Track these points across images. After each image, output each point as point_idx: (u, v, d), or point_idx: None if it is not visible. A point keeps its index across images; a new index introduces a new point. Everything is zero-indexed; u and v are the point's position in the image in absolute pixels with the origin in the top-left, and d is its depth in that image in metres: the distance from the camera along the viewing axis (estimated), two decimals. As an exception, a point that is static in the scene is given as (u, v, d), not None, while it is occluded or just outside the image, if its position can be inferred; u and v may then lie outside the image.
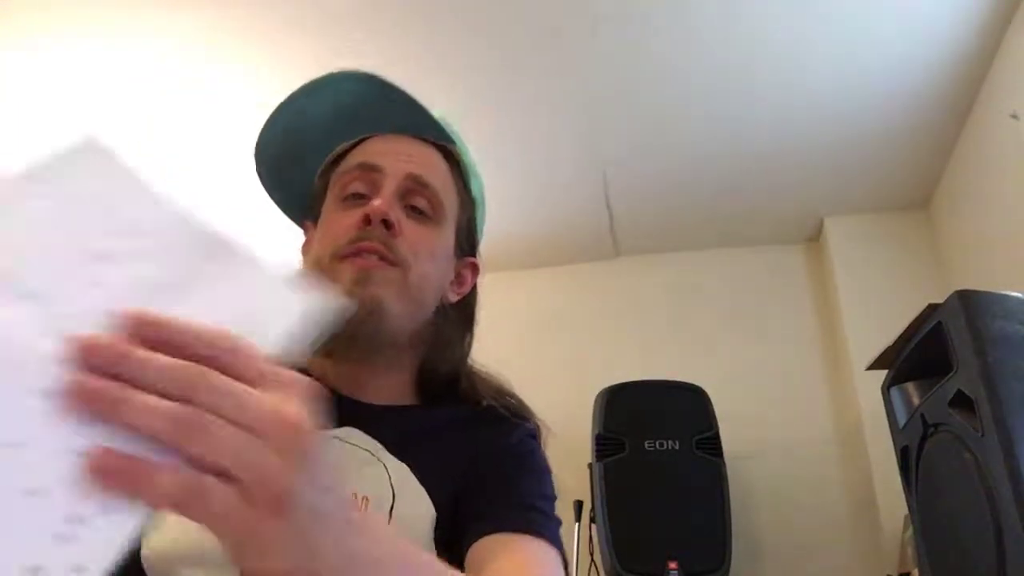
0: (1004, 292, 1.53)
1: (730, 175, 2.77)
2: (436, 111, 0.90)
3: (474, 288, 0.92)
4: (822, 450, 2.83)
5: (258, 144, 0.88)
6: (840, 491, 2.79)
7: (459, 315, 0.89)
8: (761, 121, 2.53)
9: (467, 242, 0.90)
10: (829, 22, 2.16)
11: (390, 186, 0.81)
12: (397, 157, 0.83)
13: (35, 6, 2.03)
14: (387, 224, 0.78)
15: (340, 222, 0.80)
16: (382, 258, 0.77)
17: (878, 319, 2.44)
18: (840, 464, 2.82)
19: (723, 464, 2.48)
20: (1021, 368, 1.40)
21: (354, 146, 0.87)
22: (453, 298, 0.88)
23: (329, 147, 0.88)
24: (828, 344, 2.99)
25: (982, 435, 1.40)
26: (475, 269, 0.92)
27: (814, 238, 3.12)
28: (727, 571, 2.33)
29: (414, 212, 0.82)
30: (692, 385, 2.59)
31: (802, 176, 2.78)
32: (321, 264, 0.79)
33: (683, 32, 2.19)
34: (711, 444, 2.49)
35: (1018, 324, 1.45)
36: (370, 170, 0.83)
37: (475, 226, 0.92)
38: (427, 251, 0.81)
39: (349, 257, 0.76)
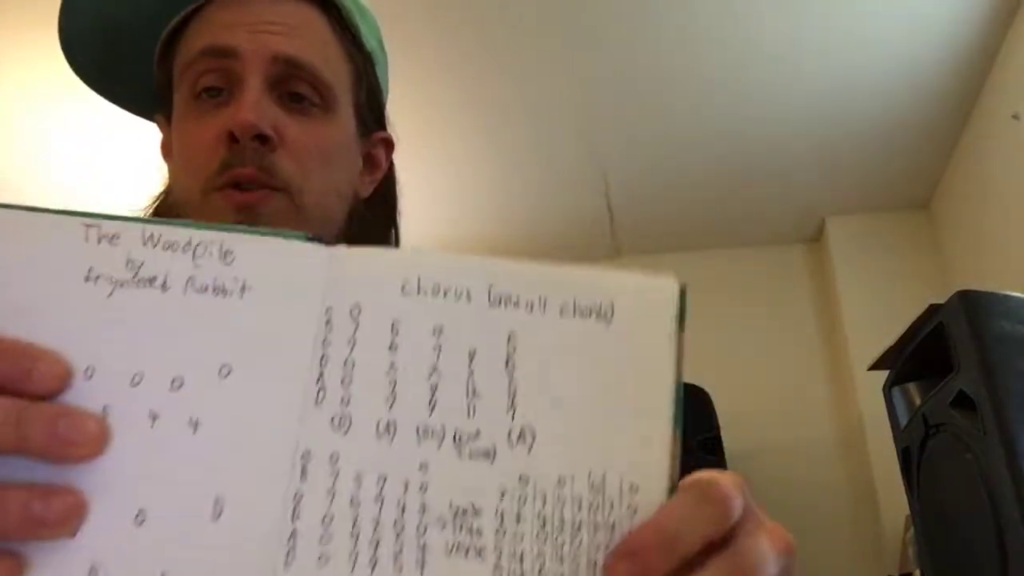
0: (1006, 292, 1.52)
1: (731, 175, 2.77)
2: None
3: (391, 168, 0.74)
4: (823, 450, 2.83)
5: (63, 40, 0.65)
6: (841, 491, 2.78)
7: (378, 207, 0.72)
8: (762, 121, 2.52)
9: (372, 116, 0.70)
10: (829, 21, 2.15)
11: (254, 78, 0.60)
12: (254, 30, 0.61)
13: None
14: (262, 138, 0.59)
15: (199, 135, 0.60)
16: (264, 185, 0.59)
17: (879, 319, 2.44)
18: (841, 464, 2.81)
19: (723, 464, 2.47)
20: (1023, 369, 1.40)
21: (193, 13, 0.64)
22: (367, 191, 0.70)
23: (160, 20, 0.65)
24: (829, 344, 2.98)
25: (984, 435, 1.40)
26: (388, 144, 0.74)
27: (815, 238, 3.12)
28: (727, 571, 2.33)
29: (294, 100, 0.62)
30: (694, 385, 2.58)
31: (803, 176, 2.78)
32: (191, 197, 0.61)
33: (683, 32, 2.19)
34: (712, 444, 2.48)
35: (1020, 324, 1.45)
36: (221, 56, 0.60)
37: (377, 87, 0.72)
38: (319, 156, 0.62)
39: (224, 189, 0.59)
